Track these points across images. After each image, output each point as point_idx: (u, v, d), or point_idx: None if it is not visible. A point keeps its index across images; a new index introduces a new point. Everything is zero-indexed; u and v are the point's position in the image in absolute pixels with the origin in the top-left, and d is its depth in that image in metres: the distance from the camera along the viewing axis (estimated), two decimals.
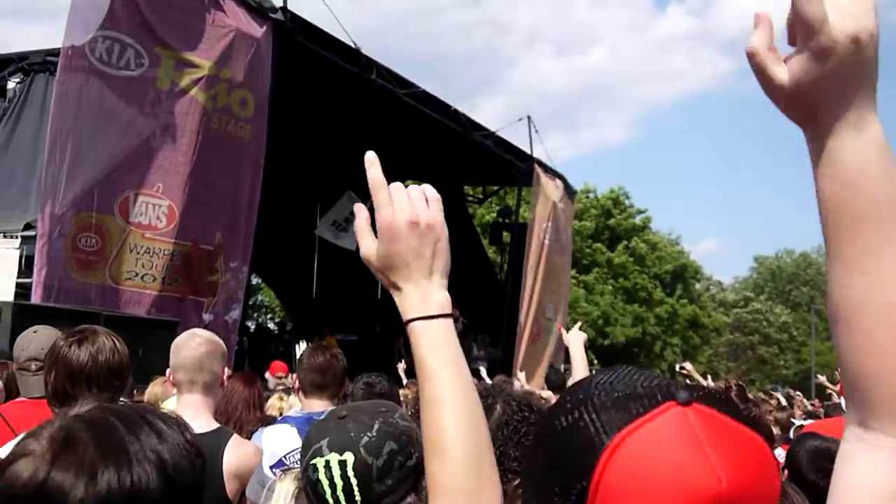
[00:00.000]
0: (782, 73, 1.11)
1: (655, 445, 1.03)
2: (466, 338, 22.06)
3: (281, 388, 8.18)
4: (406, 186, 1.56)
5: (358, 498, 2.09)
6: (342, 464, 2.11)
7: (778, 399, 13.73)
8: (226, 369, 4.00)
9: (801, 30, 1.09)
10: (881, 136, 1.09)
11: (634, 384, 1.11)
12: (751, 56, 1.13)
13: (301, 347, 6.26)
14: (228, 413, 5.25)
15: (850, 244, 1.08)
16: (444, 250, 1.58)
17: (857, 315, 1.09)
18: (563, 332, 5.23)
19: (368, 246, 1.58)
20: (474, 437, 1.44)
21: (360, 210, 1.62)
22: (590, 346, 41.60)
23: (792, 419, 9.98)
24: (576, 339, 4.90)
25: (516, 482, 2.09)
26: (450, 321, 1.54)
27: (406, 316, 1.53)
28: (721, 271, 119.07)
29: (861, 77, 1.07)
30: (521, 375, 12.14)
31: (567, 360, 21.54)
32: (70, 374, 3.38)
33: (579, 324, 5.39)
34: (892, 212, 1.07)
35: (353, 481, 2.10)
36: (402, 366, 12.52)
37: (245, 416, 5.31)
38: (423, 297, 1.53)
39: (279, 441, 4.04)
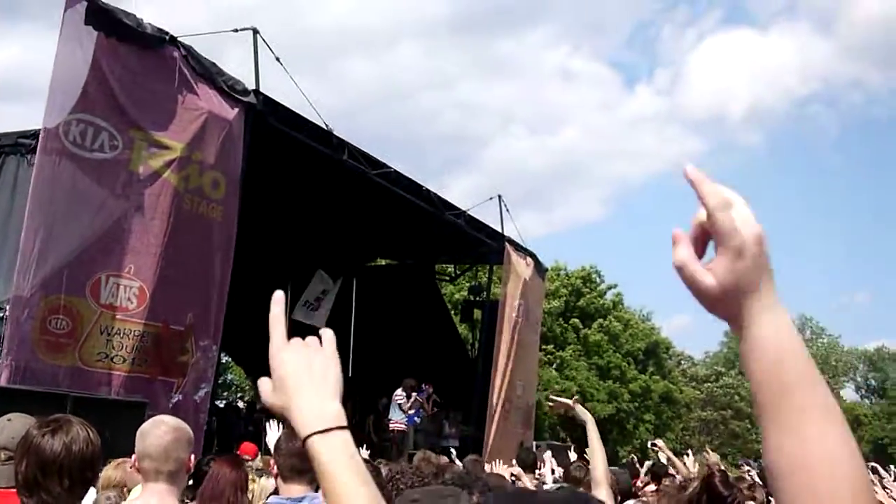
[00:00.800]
0: (709, 278, 1.28)
1: None
2: (438, 415, 21.97)
3: (251, 469, 8.09)
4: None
5: None
6: None
7: (751, 477, 13.70)
8: (191, 456, 3.97)
9: (719, 237, 1.27)
10: (787, 316, 1.27)
11: None
12: (680, 269, 1.30)
13: (271, 426, 6.21)
14: (216, 496, 5.22)
15: (780, 410, 1.23)
16: (335, 373, 1.62)
17: (791, 472, 1.21)
18: (582, 409, 5.16)
19: (267, 393, 1.61)
20: None
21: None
22: (566, 423, 41.46)
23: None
24: (590, 420, 4.89)
25: None
26: (346, 433, 1.55)
27: (303, 432, 1.54)
28: (692, 346, 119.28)
29: (765, 269, 1.27)
30: (493, 464, 12.03)
31: (538, 437, 21.33)
32: (42, 464, 3.36)
33: (577, 398, 5.37)
34: (812, 378, 1.24)
35: None
36: (364, 452, 12.37)
37: (232, 500, 5.25)
38: (319, 412, 1.55)
39: None
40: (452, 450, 17.78)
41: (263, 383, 1.61)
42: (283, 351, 1.63)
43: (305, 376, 1.59)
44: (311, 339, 1.63)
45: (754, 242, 1.27)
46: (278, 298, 1.67)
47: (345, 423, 1.55)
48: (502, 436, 20.74)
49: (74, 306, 11.02)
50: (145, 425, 3.96)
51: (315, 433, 1.53)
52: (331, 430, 1.53)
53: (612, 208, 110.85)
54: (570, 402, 5.18)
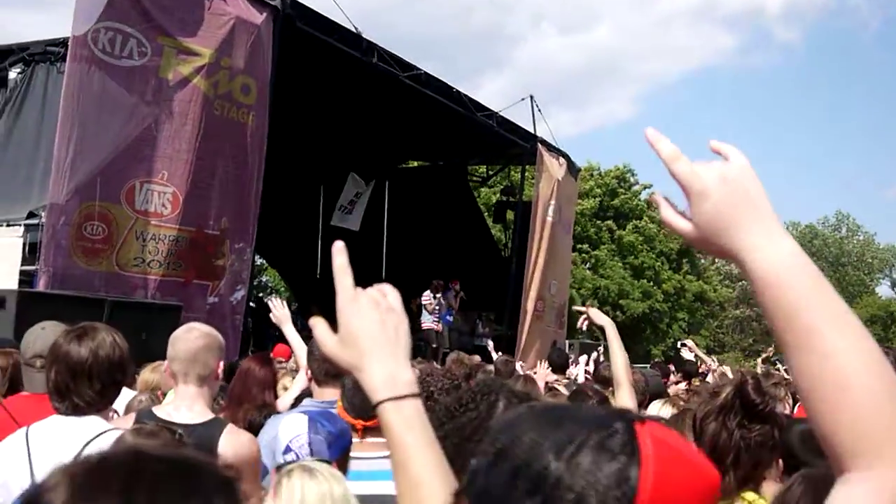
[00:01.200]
0: (684, 223, 1.36)
1: None
2: (471, 315, 22.20)
3: (283, 370, 8.25)
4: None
5: None
6: None
7: (780, 375, 13.78)
8: (221, 363, 4.03)
9: (681, 186, 1.35)
10: (786, 242, 1.30)
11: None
12: (665, 222, 1.39)
13: (274, 302, 6.25)
14: (244, 395, 5.29)
15: (793, 333, 1.27)
16: (406, 334, 1.56)
17: (815, 387, 1.24)
18: (597, 313, 5.15)
19: (328, 339, 1.55)
20: None
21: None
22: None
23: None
24: (609, 323, 4.91)
25: None
26: (418, 401, 1.51)
27: (375, 397, 1.50)
28: None
29: (745, 203, 1.32)
30: (519, 365, 12.13)
31: (570, 335, 21.51)
32: (71, 370, 3.47)
33: (589, 303, 5.34)
34: (817, 299, 1.27)
35: None
36: None
37: (260, 397, 5.33)
38: (391, 377, 1.50)
39: (289, 428, 4.05)
40: (490, 342, 17.99)
41: (323, 332, 1.55)
42: (354, 304, 1.54)
43: (380, 337, 1.52)
44: (375, 290, 1.57)
45: (720, 182, 1.33)
46: (340, 248, 1.59)
47: (417, 391, 1.51)
48: (535, 335, 20.97)
49: (110, 212, 11.17)
50: (177, 331, 4.03)
51: (388, 399, 1.49)
52: (404, 397, 1.49)
53: (646, 106, 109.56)
54: (583, 308, 5.20)
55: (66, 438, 3.38)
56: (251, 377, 5.43)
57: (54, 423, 3.49)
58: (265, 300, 9.02)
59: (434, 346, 19.11)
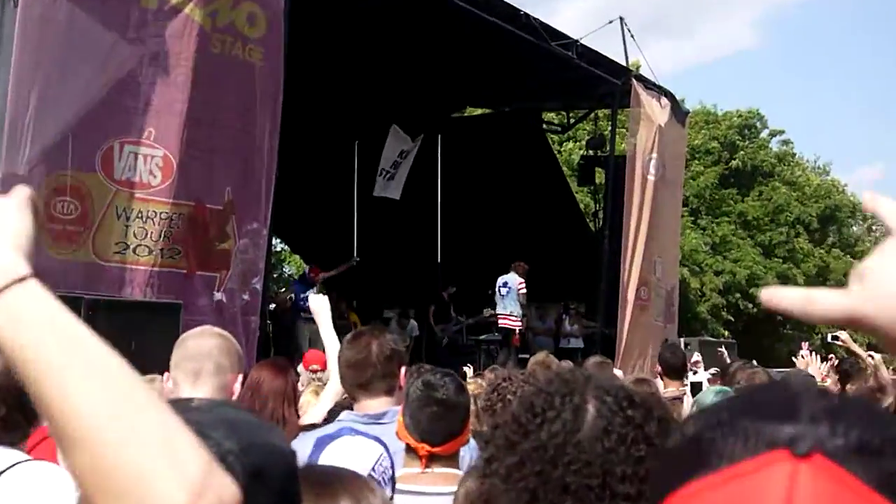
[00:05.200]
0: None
1: None
2: (553, 309, 22.08)
3: (317, 382, 8.21)
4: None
5: None
6: None
7: None
8: (238, 377, 4.09)
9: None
10: None
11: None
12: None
13: (315, 298, 6.25)
14: (256, 409, 5.35)
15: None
16: (16, 222, 1.47)
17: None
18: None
19: None
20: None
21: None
22: (732, 312, 41.49)
23: None
24: None
25: None
26: (28, 284, 1.39)
27: None
28: None
29: None
30: (619, 372, 11.96)
31: (686, 331, 21.34)
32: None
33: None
34: None
35: None
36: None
37: (278, 413, 5.39)
38: None
39: (358, 455, 3.97)
40: (579, 342, 17.87)
41: None
42: None
43: None
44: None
45: None
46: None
47: (19, 276, 1.38)
48: (640, 331, 20.75)
49: (84, 184, 11.16)
50: (186, 334, 4.13)
51: None
52: (7, 286, 1.36)
53: (768, 33, 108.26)
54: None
55: None
56: (264, 388, 5.48)
57: None
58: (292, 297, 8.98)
59: (511, 350, 19.11)
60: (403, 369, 4.62)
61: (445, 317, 22.18)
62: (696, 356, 12.65)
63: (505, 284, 19.46)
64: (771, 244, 45.71)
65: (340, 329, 6.19)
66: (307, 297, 10.10)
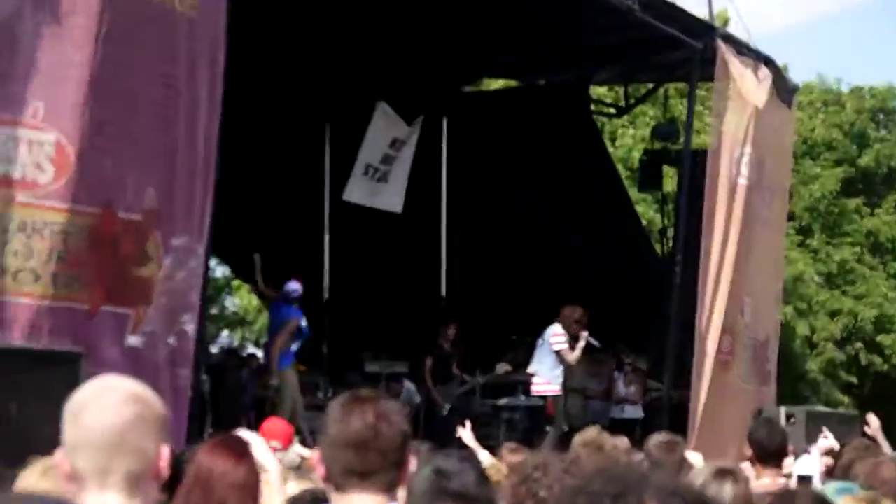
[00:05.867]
0: None
1: None
2: (605, 363, 22.03)
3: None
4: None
5: None
6: None
7: None
8: (166, 448, 3.94)
9: None
10: None
11: None
12: None
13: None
14: None
15: None
16: None
17: None
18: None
19: None
20: None
21: None
22: (854, 370, 41.18)
23: None
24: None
25: None
26: None
27: None
28: None
29: None
30: (694, 456, 11.91)
31: (786, 398, 21.32)
32: None
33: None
34: None
35: None
36: (466, 433, 12.49)
37: None
38: None
39: None
40: (639, 411, 17.81)
41: None
42: None
43: None
44: None
45: None
46: None
47: None
48: (721, 396, 20.68)
49: None
50: (80, 395, 3.93)
51: None
52: None
53: None
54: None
55: None
56: (217, 483, 5.44)
57: None
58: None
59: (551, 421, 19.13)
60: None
61: (446, 373, 22.02)
62: (823, 440, 12.56)
63: (541, 335, 19.39)
64: None
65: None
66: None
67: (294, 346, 19.09)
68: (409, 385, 21.91)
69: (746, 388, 21.88)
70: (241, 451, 5.77)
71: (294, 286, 19.20)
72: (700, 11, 20.93)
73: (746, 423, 17.82)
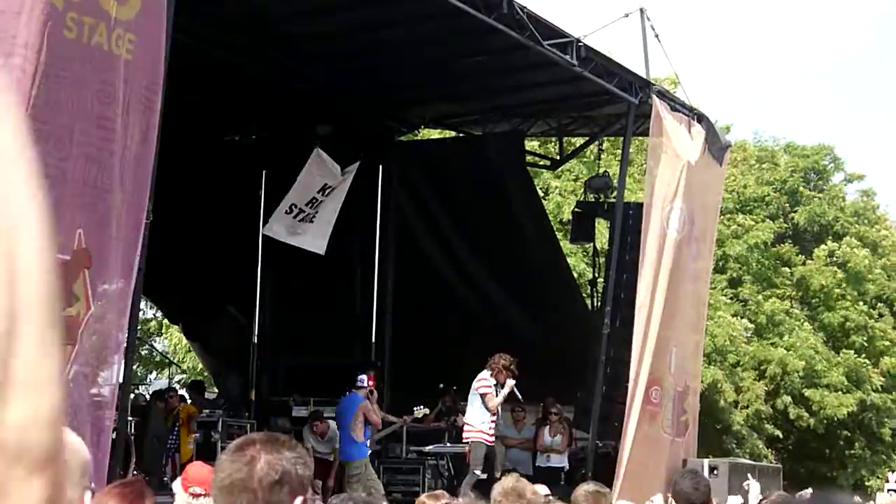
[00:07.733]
0: None
1: None
2: (532, 412, 21.97)
3: None
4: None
5: None
6: None
7: None
8: (88, 491, 4.00)
9: None
10: None
11: None
12: None
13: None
14: None
15: None
16: None
17: None
18: None
19: None
20: None
21: None
22: (779, 423, 40.94)
23: None
24: None
25: None
26: None
27: None
28: None
29: None
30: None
31: (707, 449, 21.29)
32: None
33: None
34: None
35: None
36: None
37: None
38: None
39: None
40: (564, 461, 17.80)
41: None
42: None
43: None
44: None
45: None
46: None
47: None
48: (647, 447, 20.65)
49: None
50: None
51: None
52: None
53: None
54: None
55: None
56: None
57: None
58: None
59: (478, 468, 19.07)
60: (300, 501, 4.42)
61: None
62: (754, 485, 12.70)
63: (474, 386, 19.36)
64: (840, 327, 45.41)
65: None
66: None
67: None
68: (333, 426, 21.78)
69: (670, 438, 21.90)
70: (136, 494, 5.73)
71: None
72: (637, 67, 21.05)
73: (669, 473, 17.94)
